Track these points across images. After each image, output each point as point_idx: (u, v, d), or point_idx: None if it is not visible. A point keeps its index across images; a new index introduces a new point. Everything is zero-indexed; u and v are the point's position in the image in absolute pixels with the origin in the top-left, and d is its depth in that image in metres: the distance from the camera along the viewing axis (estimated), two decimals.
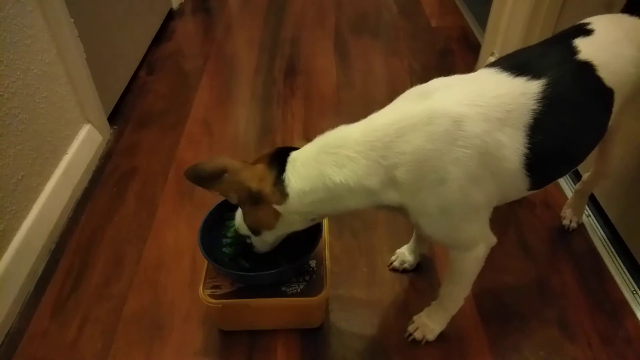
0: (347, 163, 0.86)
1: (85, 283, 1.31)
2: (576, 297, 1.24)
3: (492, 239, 0.99)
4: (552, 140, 0.90)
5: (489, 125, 0.84)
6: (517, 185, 0.92)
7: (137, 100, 1.99)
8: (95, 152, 1.68)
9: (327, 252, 1.17)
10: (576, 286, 1.27)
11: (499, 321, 1.20)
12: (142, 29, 2.22)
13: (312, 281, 1.12)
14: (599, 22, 1.00)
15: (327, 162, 0.88)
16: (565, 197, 1.50)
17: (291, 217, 0.95)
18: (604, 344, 1.15)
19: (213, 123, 1.87)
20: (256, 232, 1.01)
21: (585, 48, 0.94)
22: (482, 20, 2.14)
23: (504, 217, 1.44)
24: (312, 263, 1.15)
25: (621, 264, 1.32)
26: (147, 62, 2.22)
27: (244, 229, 1.03)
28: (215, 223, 1.17)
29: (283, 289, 1.10)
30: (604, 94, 0.94)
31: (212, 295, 1.09)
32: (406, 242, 1.31)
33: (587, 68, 0.92)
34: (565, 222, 1.41)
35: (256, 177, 0.92)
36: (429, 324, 1.14)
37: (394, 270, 1.31)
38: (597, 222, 1.44)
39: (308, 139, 0.94)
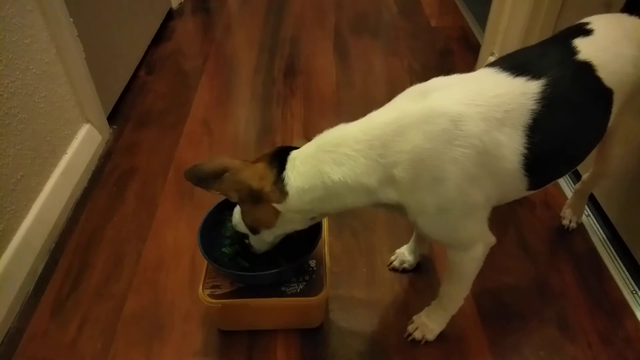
0: (346, 161, 0.87)
1: (84, 283, 1.31)
2: (576, 297, 1.24)
3: (491, 239, 0.99)
4: (551, 141, 0.90)
5: (488, 125, 0.84)
6: (516, 185, 0.92)
7: (136, 99, 1.99)
8: (94, 152, 1.68)
9: (326, 252, 1.17)
10: (576, 286, 1.27)
11: (499, 321, 1.20)
12: (141, 28, 2.22)
13: (311, 281, 1.12)
14: (599, 22, 1.00)
15: (326, 160, 0.88)
16: (565, 197, 1.50)
17: (291, 216, 0.95)
18: (603, 344, 1.15)
19: (213, 123, 1.87)
20: (255, 231, 1.01)
21: (584, 48, 0.94)
22: (482, 20, 2.14)
23: (504, 217, 1.44)
24: (312, 263, 1.15)
25: (621, 264, 1.32)
26: (146, 62, 2.22)
27: (242, 227, 1.03)
28: (215, 223, 1.17)
29: (283, 288, 1.10)
30: (604, 94, 0.94)
31: (211, 295, 1.09)
32: (406, 242, 1.31)
33: (587, 68, 0.92)
34: (565, 222, 1.41)
35: (257, 175, 0.92)
36: (428, 323, 1.14)
37: (394, 270, 1.31)
38: (597, 222, 1.44)
39: (308, 138, 0.94)
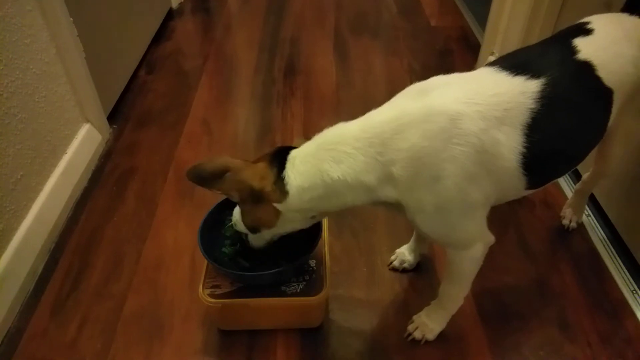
0: (345, 159, 0.87)
1: (84, 282, 1.31)
2: (576, 297, 1.24)
3: (490, 238, 0.99)
4: (550, 140, 0.90)
5: (487, 124, 0.84)
6: (515, 184, 0.92)
7: (136, 99, 1.99)
8: (94, 152, 1.68)
9: (326, 251, 1.17)
10: (576, 286, 1.27)
11: (499, 321, 1.20)
12: (141, 28, 2.22)
13: (311, 281, 1.12)
14: (599, 22, 1.00)
15: (325, 158, 0.88)
16: (565, 197, 1.50)
17: (291, 215, 0.95)
18: (603, 343, 1.15)
19: (213, 122, 1.87)
20: (256, 230, 1.01)
21: (584, 47, 0.94)
22: (482, 20, 2.14)
23: (503, 217, 1.44)
24: (312, 263, 1.15)
25: (621, 263, 1.32)
26: (146, 62, 2.22)
27: (241, 227, 1.03)
28: (215, 223, 1.17)
29: (283, 288, 1.10)
30: (604, 93, 0.94)
31: (211, 295, 1.09)
32: (406, 242, 1.31)
33: (587, 68, 0.92)
34: (565, 222, 1.41)
35: (257, 175, 0.92)
36: (428, 323, 1.14)
37: (394, 270, 1.31)
38: (597, 222, 1.44)
39: (308, 138, 0.94)
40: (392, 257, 1.32)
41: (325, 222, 1.18)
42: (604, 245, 1.37)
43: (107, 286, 1.30)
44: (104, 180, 1.63)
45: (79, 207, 1.54)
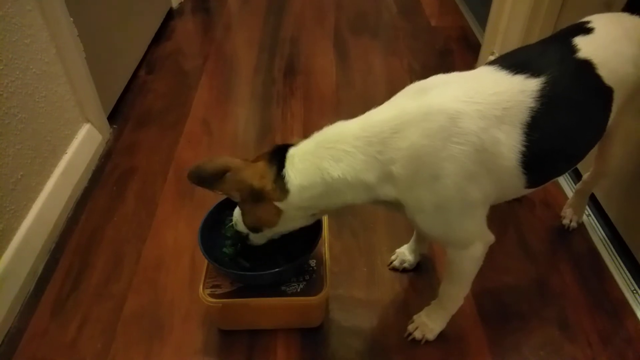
0: (344, 157, 0.87)
1: (85, 283, 1.31)
2: (576, 297, 1.24)
3: (490, 237, 0.99)
4: (549, 139, 0.89)
5: (486, 123, 0.84)
6: (514, 183, 0.92)
7: (136, 99, 1.99)
8: (94, 152, 1.68)
9: (326, 251, 1.17)
10: (576, 286, 1.27)
11: (499, 321, 1.20)
12: (141, 28, 2.22)
13: (312, 281, 1.12)
14: (599, 21, 1.00)
15: (325, 156, 0.88)
16: (566, 197, 1.50)
17: (292, 213, 0.95)
18: (604, 343, 1.15)
19: (212, 122, 1.87)
20: (257, 230, 1.01)
21: (584, 46, 0.94)
22: (482, 20, 2.14)
23: (503, 217, 1.44)
24: (312, 262, 1.15)
25: (621, 263, 1.32)
26: (146, 62, 2.22)
27: (241, 227, 1.03)
28: (215, 223, 1.17)
29: (283, 288, 1.10)
30: (604, 92, 0.94)
31: (211, 295, 1.09)
32: (406, 242, 1.31)
33: (587, 66, 0.92)
34: (566, 221, 1.41)
35: (257, 174, 0.92)
36: (428, 323, 1.14)
37: (394, 269, 1.31)
38: (597, 221, 1.43)
39: (307, 137, 0.94)
40: (392, 257, 1.32)
41: (325, 222, 1.18)
42: (604, 245, 1.37)
43: (107, 286, 1.30)
44: (104, 180, 1.63)
45: (79, 207, 1.54)
